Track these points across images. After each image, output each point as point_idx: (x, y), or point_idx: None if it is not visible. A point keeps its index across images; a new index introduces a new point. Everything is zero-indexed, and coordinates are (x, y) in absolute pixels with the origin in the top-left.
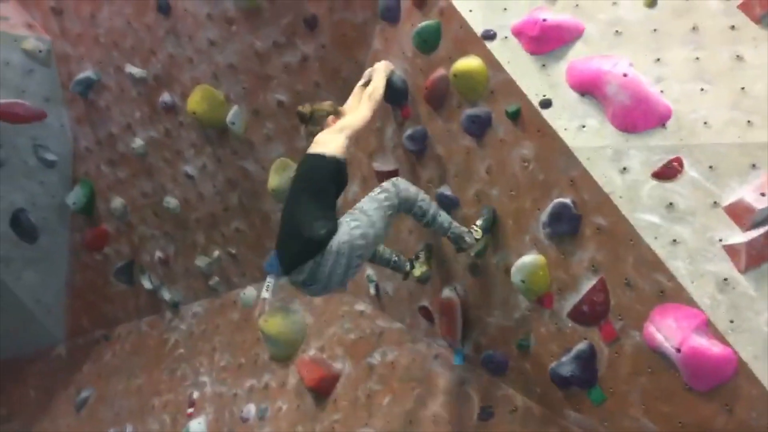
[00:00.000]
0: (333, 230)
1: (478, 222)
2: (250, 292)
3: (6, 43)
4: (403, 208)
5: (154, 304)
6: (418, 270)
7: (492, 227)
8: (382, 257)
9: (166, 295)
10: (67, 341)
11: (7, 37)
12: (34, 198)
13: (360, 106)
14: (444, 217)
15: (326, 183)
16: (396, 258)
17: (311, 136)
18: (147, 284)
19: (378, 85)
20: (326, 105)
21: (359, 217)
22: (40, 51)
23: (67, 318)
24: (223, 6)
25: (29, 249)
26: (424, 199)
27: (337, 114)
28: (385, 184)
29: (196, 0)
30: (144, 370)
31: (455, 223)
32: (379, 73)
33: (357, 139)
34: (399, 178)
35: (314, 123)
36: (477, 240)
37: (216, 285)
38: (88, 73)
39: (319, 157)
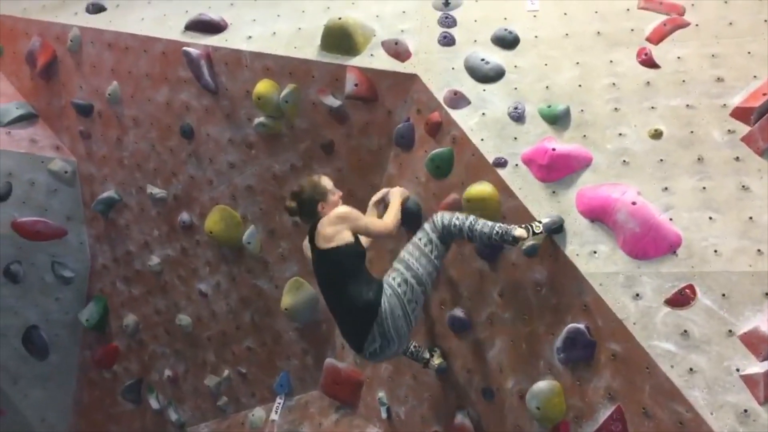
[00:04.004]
0: (379, 290)
1: (545, 219)
2: (258, 413)
3: (33, 165)
4: (446, 236)
5: (160, 425)
6: (437, 359)
7: (556, 231)
8: None
9: (173, 415)
10: None
11: (35, 159)
12: (48, 314)
13: (383, 220)
14: (482, 224)
15: (351, 264)
16: (414, 347)
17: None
18: (154, 404)
19: (398, 214)
20: (307, 188)
21: (397, 267)
22: (65, 172)
23: None
24: (244, 132)
25: (39, 366)
26: (458, 217)
27: (323, 197)
28: (425, 224)
29: (219, 126)
30: None
31: (498, 225)
32: (395, 198)
33: (370, 260)
34: (438, 213)
35: (308, 215)
36: (536, 234)
37: (224, 405)
38: (110, 192)
39: (333, 251)
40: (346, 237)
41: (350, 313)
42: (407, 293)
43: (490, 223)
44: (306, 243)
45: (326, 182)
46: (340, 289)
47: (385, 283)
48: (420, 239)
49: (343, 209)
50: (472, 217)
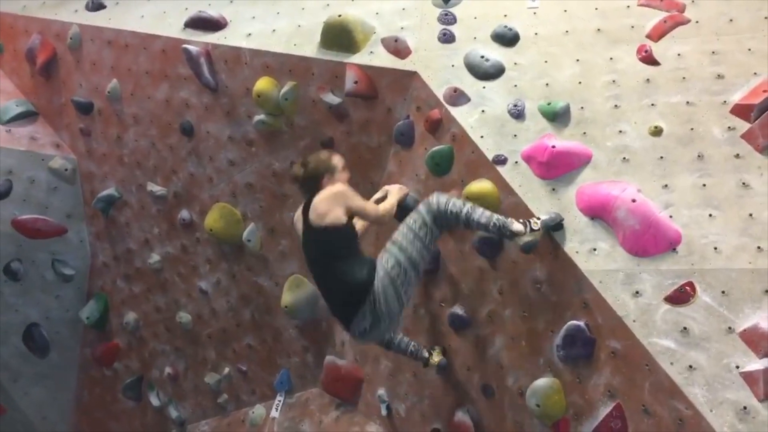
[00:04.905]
0: (371, 269)
1: (543, 216)
2: (259, 410)
3: (34, 162)
4: (441, 221)
5: (161, 423)
6: (437, 356)
7: (555, 229)
8: (399, 346)
9: (173, 413)
10: None
11: (35, 157)
12: (49, 312)
13: (378, 207)
14: (480, 213)
15: (341, 244)
16: (414, 347)
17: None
18: (155, 401)
19: (393, 204)
20: (318, 159)
21: (390, 248)
22: (65, 170)
23: None
24: (244, 129)
25: (39, 364)
26: (455, 203)
27: (331, 171)
28: (420, 206)
29: (219, 123)
30: None
31: (496, 216)
32: (393, 195)
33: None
34: (433, 194)
35: (310, 186)
36: (533, 230)
37: (225, 403)
38: (110, 190)
39: (324, 231)
40: (339, 217)
41: (341, 291)
42: (400, 276)
43: (487, 213)
44: (298, 214)
45: (338, 161)
46: (330, 267)
47: (378, 263)
48: (414, 221)
49: (339, 186)
50: (469, 205)
